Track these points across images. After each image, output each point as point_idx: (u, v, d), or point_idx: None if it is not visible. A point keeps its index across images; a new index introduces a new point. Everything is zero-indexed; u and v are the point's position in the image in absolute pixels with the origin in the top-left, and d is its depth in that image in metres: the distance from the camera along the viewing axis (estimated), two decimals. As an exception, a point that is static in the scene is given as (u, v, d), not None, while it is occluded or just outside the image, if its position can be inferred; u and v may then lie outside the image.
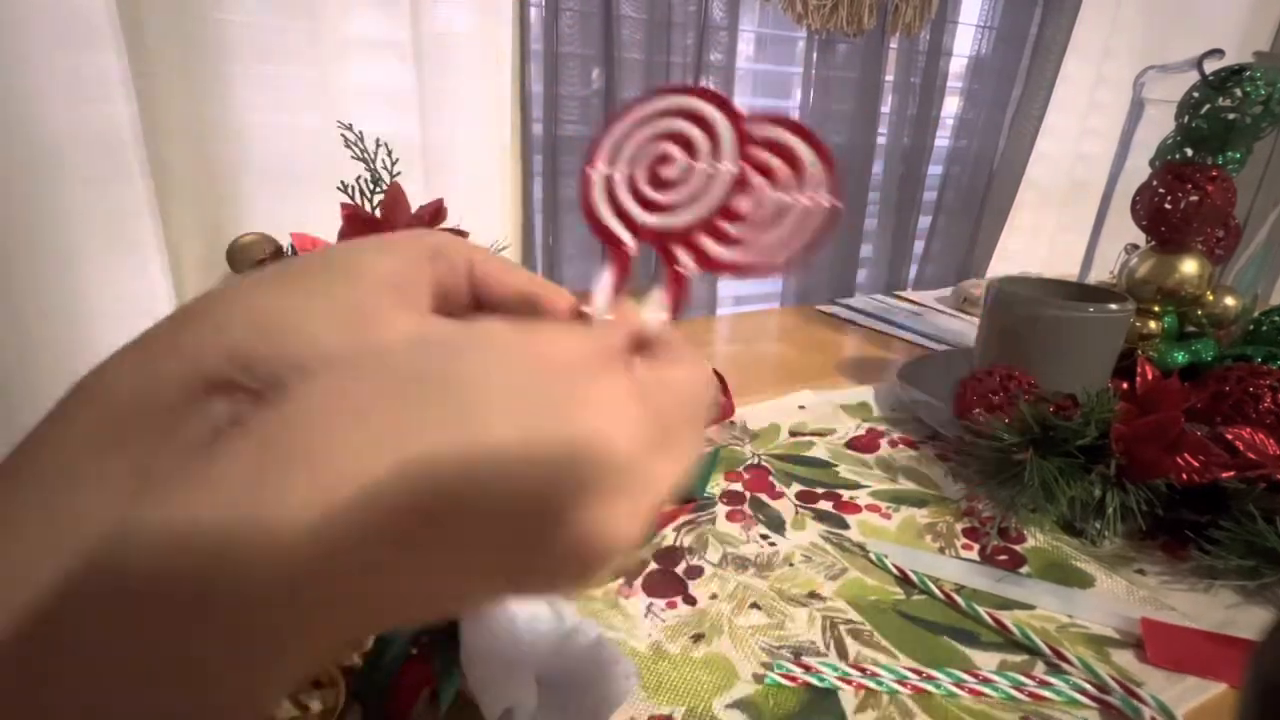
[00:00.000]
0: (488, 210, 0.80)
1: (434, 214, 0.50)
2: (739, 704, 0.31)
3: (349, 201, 0.48)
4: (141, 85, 0.60)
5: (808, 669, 0.33)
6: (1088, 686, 0.32)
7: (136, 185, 0.62)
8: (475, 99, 0.76)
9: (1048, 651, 0.34)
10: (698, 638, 0.35)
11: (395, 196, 0.49)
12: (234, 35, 0.63)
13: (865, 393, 0.66)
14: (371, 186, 0.49)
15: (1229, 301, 0.59)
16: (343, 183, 0.48)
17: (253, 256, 0.59)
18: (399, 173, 0.50)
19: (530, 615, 0.25)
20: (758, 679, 0.32)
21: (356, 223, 0.46)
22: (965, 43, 1.11)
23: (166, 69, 0.61)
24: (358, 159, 0.49)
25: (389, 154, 0.50)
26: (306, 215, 0.71)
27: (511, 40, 0.77)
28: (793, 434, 0.57)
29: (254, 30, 0.64)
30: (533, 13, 0.78)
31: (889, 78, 1.04)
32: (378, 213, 0.48)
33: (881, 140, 1.07)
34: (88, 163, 0.59)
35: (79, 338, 0.62)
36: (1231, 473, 0.42)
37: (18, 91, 0.55)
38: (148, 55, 0.60)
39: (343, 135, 0.48)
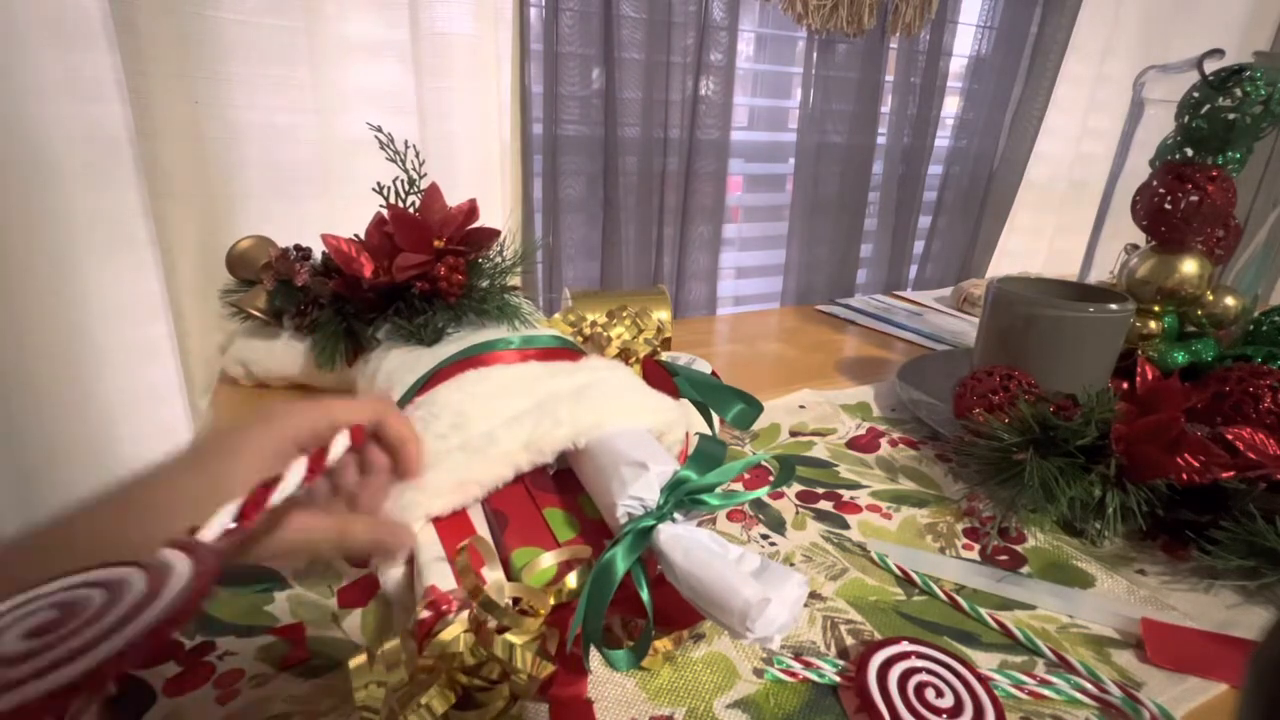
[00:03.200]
0: (488, 210, 0.80)
1: (468, 214, 0.51)
2: (740, 704, 0.31)
3: (391, 203, 0.50)
4: (137, 85, 0.60)
5: (808, 665, 0.33)
6: (1088, 686, 0.32)
7: (132, 185, 0.62)
8: (475, 99, 0.76)
9: (1050, 655, 0.34)
10: (698, 638, 0.34)
11: (432, 196, 0.50)
12: (230, 34, 0.63)
13: (865, 393, 0.66)
14: (407, 187, 0.50)
15: (1229, 301, 0.59)
16: (378, 183, 0.49)
17: (252, 261, 0.59)
18: (425, 174, 0.51)
19: (715, 545, 0.29)
20: (758, 674, 0.32)
21: (400, 221, 0.49)
22: (965, 43, 1.11)
23: (162, 68, 0.61)
24: (390, 160, 0.50)
25: (417, 155, 0.51)
26: (303, 216, 0.71)
27: (511, 40, 0.77)
28: (793, 434, 0.57)
29: (250, 29, 0.64)
30: (533, 13, 0.78)
31: (889, 78, 1.04)
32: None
33: (881, 140, 1.07)
34: (83, 163, 0.59)
35: (75, 337, 0.62)
36: (1231, 473, 0.42)
37: (13, 91, 0.55)
38: (142, 54, 0.60)
39: (376, 137, 0.49)
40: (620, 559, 0.29)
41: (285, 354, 0.58)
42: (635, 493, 0.31)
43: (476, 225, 0.52)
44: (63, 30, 0.56)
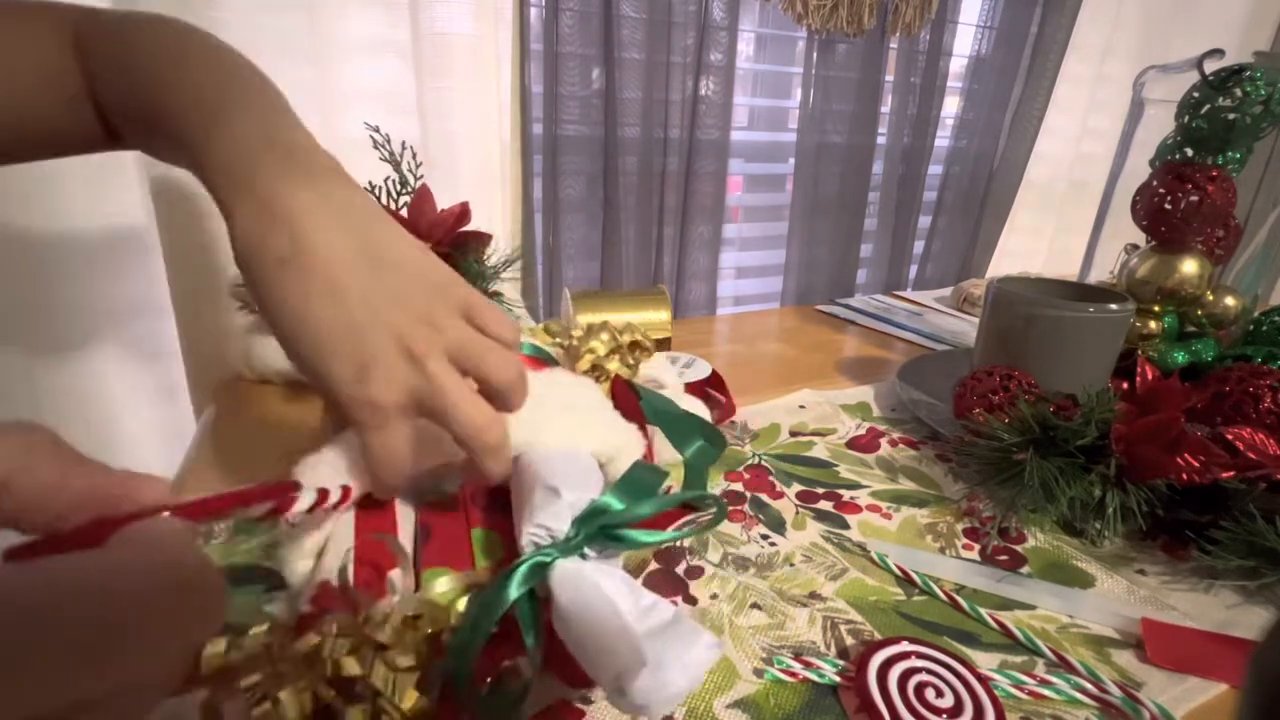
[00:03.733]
0: (488, 210, 0.80)
1: (459, 217, 0.51)
2: (740, 704, 0.31)
3: (383, 203, 0.49)
4: (140, 85, 0.60)
5: (808, 665, 0.33)
6: (1088, 686, 0.32)
7: (134, 185, 0.62)
8: (475, 99, 0.76)
9: (1050, 655, 0.34)
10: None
11: (423, 198, 0.50)
12: (230, 34, 0.63)
13: (865, 393, 0.66)
14: (399, 188, 0.50)
15: (1229, 301, 0.59)
16: (370, 183, 0.49)
17: None
18: (422, 176, 0.51)
19: (613, 590, 0.25)
20: (758, 674, 0.33)
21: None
22: (965, 43, 1.11)
23: (165, 68, 0.61)
24: (385, 160, 0.50)
25: (414, 156, 0.51)
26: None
27: (511, 40, 0.77)
28: (793, 434, 0.57)
29: (250, 29, 0.64)
30: (533, 13, 0.78)
31: (889, 78, 1.04)
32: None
33: (881, 140, 1.07)
34: (85, 163, 0.59)
35: (76, 337, 0.62)
36: (1231, 473, 0.42)
37: (17, 91, 0.55)
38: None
39: (371, 136, 0.49)
40: (510, 591, 0.25)
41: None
42: (542, 521, 0.28)
43: (468, 229, 0.52)
44: (63, 30, 0.56)
